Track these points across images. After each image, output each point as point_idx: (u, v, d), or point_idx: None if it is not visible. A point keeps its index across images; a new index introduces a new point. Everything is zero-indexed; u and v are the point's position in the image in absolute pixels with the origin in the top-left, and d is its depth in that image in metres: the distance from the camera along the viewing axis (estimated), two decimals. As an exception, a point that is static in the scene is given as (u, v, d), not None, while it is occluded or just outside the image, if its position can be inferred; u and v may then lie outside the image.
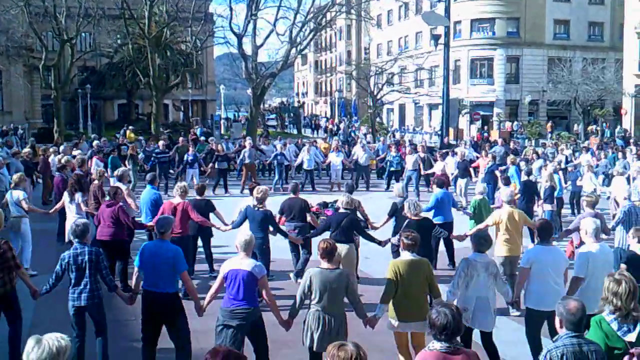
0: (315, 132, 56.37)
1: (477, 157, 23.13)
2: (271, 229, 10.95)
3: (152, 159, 23.27)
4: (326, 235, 10.10)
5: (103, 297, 7.83)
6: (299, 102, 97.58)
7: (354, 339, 7.30)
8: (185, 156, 22.87)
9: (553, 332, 5.25)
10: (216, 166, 23.26)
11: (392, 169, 24.00)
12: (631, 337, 5.16)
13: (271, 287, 10.80)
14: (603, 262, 7.81)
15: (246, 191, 21.97)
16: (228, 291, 7.09)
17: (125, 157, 22.92)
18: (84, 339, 7.77)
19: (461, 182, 20.58)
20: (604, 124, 50.65)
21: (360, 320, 7.34)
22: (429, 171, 22.05)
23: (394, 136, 39.27)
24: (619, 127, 47.33)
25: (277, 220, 11.58)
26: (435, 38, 32.83)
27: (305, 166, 24.23)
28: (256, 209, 10.82)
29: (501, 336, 8.16)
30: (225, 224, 11.69)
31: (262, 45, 40.28)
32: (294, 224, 11.62)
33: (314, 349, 7.00)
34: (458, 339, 4.85)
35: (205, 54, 60.15)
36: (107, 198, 11.64)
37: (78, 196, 12.57)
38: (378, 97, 45.50)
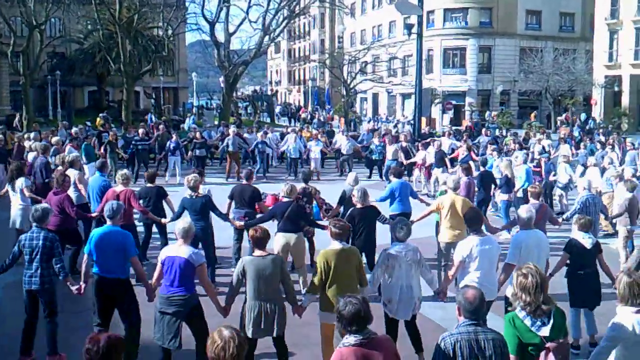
0: (294, 121, 56.14)
1: (460, 147, 23.11)
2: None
3: (132, 146, 23.05)
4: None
5: (55, 283, 7.84)
6: (272, 90, 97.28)
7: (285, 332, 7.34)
8: (168, 143, 22.74)
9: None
10: (194, 154, 23.14)
11: (373, 157, 24.07)
12: (545, 332, 5.11)
13: (218, 274, 10.89)
14: (537, 249, 7.86)
15: (231, 179, 22.11)
16: (165, 278, 7.09)
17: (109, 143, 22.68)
18: (35, 324, 7.84)
19: (437, 171, 20.60)
20: (579, 114, 51.12)
21: (289, 313, 7.36)
22: (410, 160, 22.05)
23: (382, 127, 39.06)
24: (598, 118, 47.67)
25: (227, 205, 11.66)
26: (408, 27, 32.76)
27: (291, 155, 24.20)
28: (193, 197, 10.78)
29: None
30: (173, 211, 11.53)
31: (234, 32, 40.08)
32: (244, 211, 11.57)
33: (249, 335, 6.98)
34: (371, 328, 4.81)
35: (177, 40, 59.53)
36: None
37: (20, 182, 12.29)
38: (351, 86, 45.49)
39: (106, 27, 43.19)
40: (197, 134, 24.09)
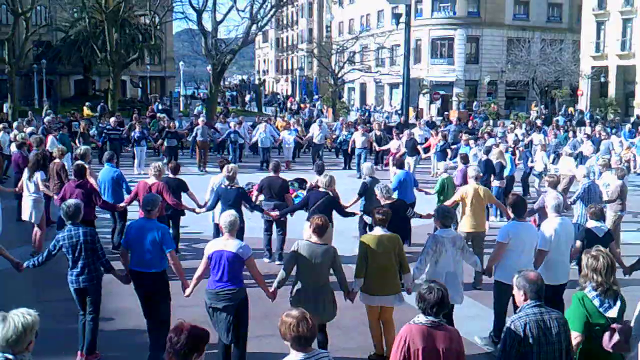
0: (284, 111, 56.06)
1: (432, 136, 23.32)
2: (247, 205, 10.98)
3: (103, 135, 22.85)
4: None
5: (102, 278, 7.72)
6: (259, 79, 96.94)
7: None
8: (132, 134, 22.52)
9: (514, 307, 5.34)
10: (165, 144, 22.89)
11: (344, 147, 24.32)
12: (612, 313, 5.26)
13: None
14: (565, 235, 7.99)
15: (211, 168, 21.98)
16: (213, 273, 7.00)
17: (76, 134, 22.57)
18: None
19: (409, 160, 20.76)
20: (565, 105, 51.28)
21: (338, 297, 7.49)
22: (384, 148, 22.20)
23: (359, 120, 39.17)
24: (586, 110, 47.77)
25: (255, 198, 11.70)
26: (397, 17, 32.80)
27: (261, 144, 23.99)
28: (228, 187, 10.75)
29: (457, 311, 8.23)
30: (200, 206, 11.55)
31: (222, 21, 39.81)
32: (273, 203, 11.57)
33: None
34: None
35: (164, 29, 59.19)
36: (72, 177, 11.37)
37: (38, 175, 12.13)
38: (339, 75, 45.45)
39: (92, 15, 42.88)
40: (170, 124, 23.91)
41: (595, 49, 50.74)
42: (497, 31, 58.19)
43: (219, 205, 10.98)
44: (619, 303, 5.32)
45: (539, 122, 29.75)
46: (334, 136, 26.36)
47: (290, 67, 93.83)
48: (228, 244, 6.99)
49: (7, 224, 12.86)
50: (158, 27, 45.60)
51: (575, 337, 5.22)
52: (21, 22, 39.97)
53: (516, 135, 23.40)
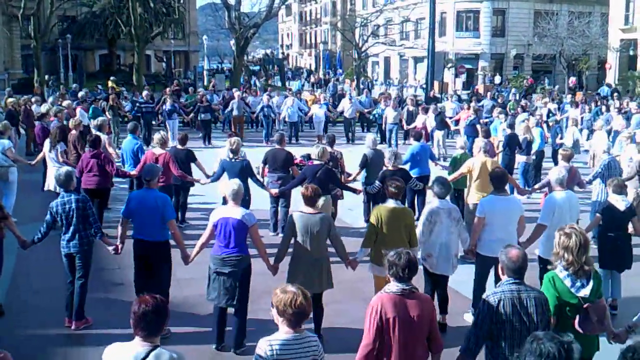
0: (307, 85, 55.94)
1: (462, 110, 23.14)
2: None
3: (136, 108, 23.07)
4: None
5: (93, 244, 7.93)
6: (283, 54, 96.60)
7: (338, 286, 7.60)
8: (163, 107, 22.72)
9: (497, 279, 5.27)
10: (199, 118, 23.04)
11: (379, 122, 24.24)
12: (584, 292, 5.14)
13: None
14: (569, 210, 7.87)
15: (247, 143, 22.18)
16: (218, 239, 7.17)
17: (110, 107, 22.83)
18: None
19: (438, 134, 20.74)
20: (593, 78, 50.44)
21: (343, 269, 7.68)
22: (411, 126, 22.07)
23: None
24: (613, 83, 46.95)
25: (261, 169, 11.77)
26: (422, -11, 32.45)
27: (288, 119, 24.09)
28: (233, 160, 10.88)
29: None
30: (208, 176, 11.77)
31: (245, -6, 39.70)
32: (277, 175, 11.66)
33: None
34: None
35: (187, 3, 59.11)
36: (88, 148, 11.65)
37: (59, 146, 12.55)
38: (363, 49, 45.12)
39: (116, -11, 42.97)
40: (203, 98, 24.13)
41: (625, 21, 49.73)
42: (523, 4, 57.23)
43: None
44: (592, 282, 5.17)
45: (577, 98, 29.31)
46: (366, 110, 26.34)
47: (313, 41, 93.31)
48: (233, 212, 7.16)
49: (31, 197, 13.15)
50: (181, 1, 45.56)
51: None
52: (46, -3, 40.13)
53: (550, 110, 23.13)
